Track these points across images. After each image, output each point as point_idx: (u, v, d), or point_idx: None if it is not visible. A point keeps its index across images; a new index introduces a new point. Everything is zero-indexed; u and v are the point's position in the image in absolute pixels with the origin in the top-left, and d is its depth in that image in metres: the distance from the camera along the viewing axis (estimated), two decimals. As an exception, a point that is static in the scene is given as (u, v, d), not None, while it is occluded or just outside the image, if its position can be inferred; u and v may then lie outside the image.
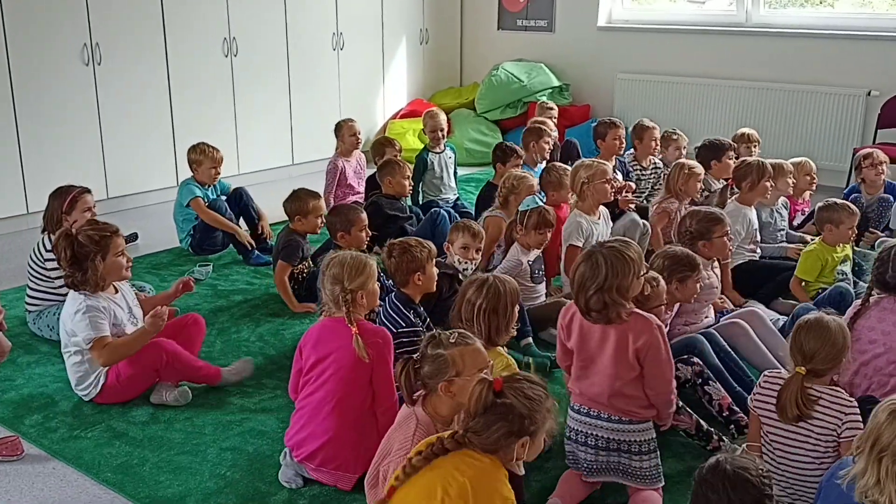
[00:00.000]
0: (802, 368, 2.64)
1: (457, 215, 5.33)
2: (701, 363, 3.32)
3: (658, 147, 5.90)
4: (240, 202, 5.50)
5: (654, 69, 7.86)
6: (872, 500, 1.96)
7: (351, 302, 2.93)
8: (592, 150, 6.07)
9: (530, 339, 3.93)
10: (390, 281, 3.79)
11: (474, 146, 7.99)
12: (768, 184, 4.74)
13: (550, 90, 8.16)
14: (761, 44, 7.33)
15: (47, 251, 4.11)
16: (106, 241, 3.46)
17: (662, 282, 3.29)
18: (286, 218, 4.76)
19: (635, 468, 2.80)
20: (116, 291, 3.60)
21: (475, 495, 2.06)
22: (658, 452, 2.84)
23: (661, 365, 2.75)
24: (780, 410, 2.67)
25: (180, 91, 6.68)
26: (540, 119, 6.35)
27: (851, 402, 2.65)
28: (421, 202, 5.90)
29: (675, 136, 6.11)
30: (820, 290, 4.28)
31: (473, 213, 5.56)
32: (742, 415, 3.21)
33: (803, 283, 4.41)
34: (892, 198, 5.32)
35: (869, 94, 6.82)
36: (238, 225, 5.42)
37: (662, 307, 3.31)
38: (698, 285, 3.52)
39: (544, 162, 5.74)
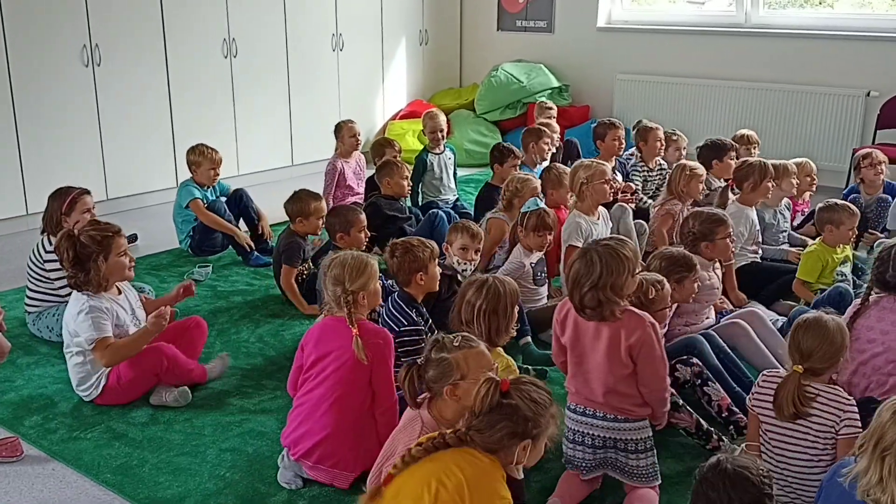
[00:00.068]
0: (800, 367, 2.66)
1: (456, 216, 5.33)
2: (700, 364, 3.32)
3: (663, 147, 5.90)
4: (239, 203, 5.50)
5: (653, 70, 7.86)
6: (874, 499, 1.96)
7: (352, 303, 2.94)
8: (592, 151, 6.08)
9: (529, 339, 3.93)
10: (390, 282, 3.80)
11: (474, 147, 7.99)
12: (770, 184, 4.74)
13: (550, 91, 8.16)
14: (761, 44, 7.34)
15: (47, 252, 4.11)
16: (108, 241, 3.46)
17: (667, 285, 3.29)
18: (286, 219, 4.76)
19: (632, 466, 2.81)
20: (120, 293, 3.61)
21: (472, 493, 2.06)
22: (654, 451, 2.85)
23: (653, 362, 2.76)
24: (777, 408, 2.68)
25: (180, 92, 6.68)
26: (546, 122, 6.37)
27: (849, 400, 2.66)
28: (420, 203, 5.91)
29: (674, 137, 6.11)
30: (819, 292, 4.28)
31: (473, 214, 5.56)
32: (741, 415, 3.21)
33: (804, 284, 4.40)
34: (890, 198, 5.33)
35: (868, 94, 6.83)
36: (238, 226, 5.42)
37: (667, 310, 3.31)
38: (696, 285, 3.52)
39: (544, 163, 5.74)
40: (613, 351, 2.74)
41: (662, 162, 5.93)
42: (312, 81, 7.63)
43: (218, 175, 5.43)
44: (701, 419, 3.17)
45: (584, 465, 2.85)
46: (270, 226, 5.54)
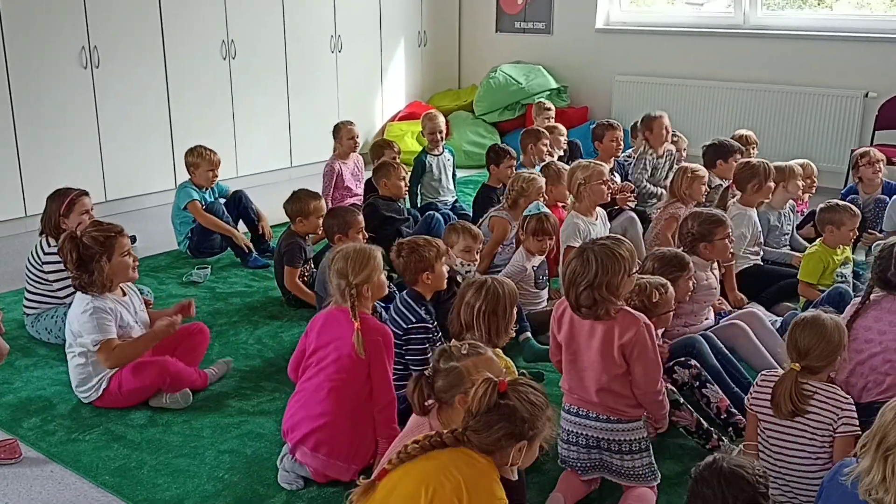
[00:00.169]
0: (797, 365, 2.67)
1: (455, 218, 5.33)
2: (698, 366, 3.31)
3: (669, 134, 5.90)
4: (239, 205, 5.50)
5: (652, 71, 7.87)
6: (877, 499, 1.96)
7: (356, 296, 2.97)
8: (591, 152, 6.08)
9: (528, 334, 3.94)
10: (393, 287, 3.81)
11: (472, 148, 7.99)
12: (772, 184, 4.72)
13: (548, 92, 8.16)
14: (759, 46, 7.34)
15: (45, 254, 4.11)
16: (111, 242, 3.46)
17: (671, 288, 3.28)
18: (285, 220, 4.76)
19: (627, 468, 2.81)
20: (124, 294, 3.61)
21: (470, 495, 2.06)
22: (651, 451, 2.85)
23: (646, 363, 2.76)
24: (774, 406, 2.69)
25: (179, 94, 6.68)
26: (553, 125, 6.37)
27: (847, 399, 2.67)
28: (420, 205, 5.90)
29: (675, 139, 6.11)
30: (820, 293, 4.27)
31: (471, 215, 5.56)
32: (740, 417, 3.19)
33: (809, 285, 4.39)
34: (887, 199, 5.33)
35: (866, 95, 6.83)
36: (237, 227, 5.42)
37: (671, 314, 3.31)
38: (690, 283, 3.52)
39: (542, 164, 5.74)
40: (607, 349, 2.75)
41: (671, 147, 5.93)
42: (311, 83, 7.63)
43: (216, 177, 5.43)
44: (701, 418, 3.17)
45: (578, 464, 2.87)
46: (270, 227, 5.54)
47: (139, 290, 4.50)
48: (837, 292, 4.01)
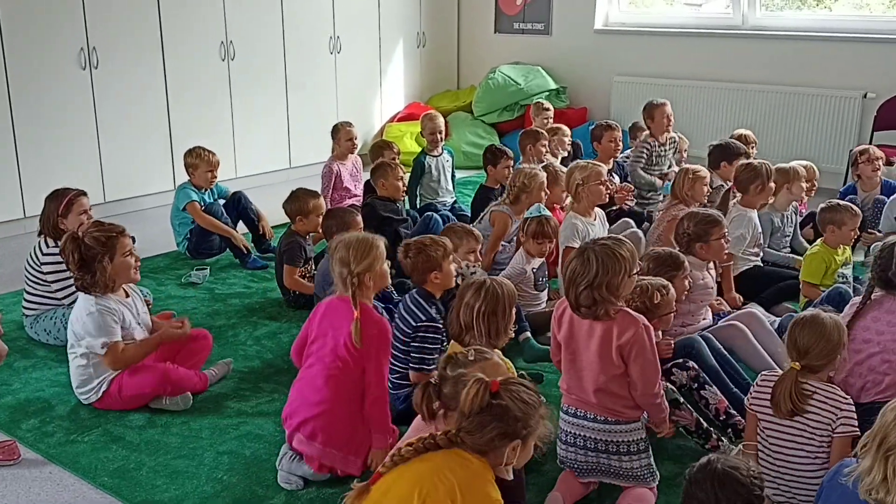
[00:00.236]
0: (797, 364, 2.67)
1: (454, 219, 5.33)
2: (696, 367, 3.30)
3: (671, 123, 5.91)
4: (238, 206, 5.50)
5: (650, 72, 7.87)
6: (877, 499, 1.97)
7: (357, 285, 2.98)
8: (590, 153, 6.09)
9: (528, 334, 3.94)
10: (391, 287, 3.82)
11: (471, 149, 7.98)
12: (773, 185, 4.72)
13: (547, 93, 8.16)
14: (758, 46, 7.35)
15: (44, 255, 4.10)
16: (112, 242, 3.46)
17: (672, 290, 3.28)
18: (285, 221, 4.75)
19: (625, 469, 2.81)
20: (127, 295, 3.61)
21: (464, 497, 2.06)
22: (649, 452, 2.85)
23: (645, 364, 2.75)
24: (774, 405, 2.69)
25: (177, 94, 6.68)
26: (556, 126, 6.37)
27: (847, 399, 2.67)
28: (419, 206, 5.90)
29: (675, 140, 6.11)
30: (822, 293, 4.27)
31: (470, 216, 5.56)
32: (739, 418, 3.19)
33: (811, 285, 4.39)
34: (886, 199, 5.33)
35: (865, 96, 6.83)
36: (236, 229, 5.42)
37: (671, 315, 3.31)
38: (686, 282, 3.52)
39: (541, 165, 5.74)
40: (605, 349, 2.76)
41: (674, 134, 5.93)
42: (310, 84, 7.63)
43: (215, 178, 5.43)
44: (701, 418, 3.17)
45: (576, 465, 2.87)
46: (270, 227, 5.54)
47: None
48: (837, 292, 4.00)
